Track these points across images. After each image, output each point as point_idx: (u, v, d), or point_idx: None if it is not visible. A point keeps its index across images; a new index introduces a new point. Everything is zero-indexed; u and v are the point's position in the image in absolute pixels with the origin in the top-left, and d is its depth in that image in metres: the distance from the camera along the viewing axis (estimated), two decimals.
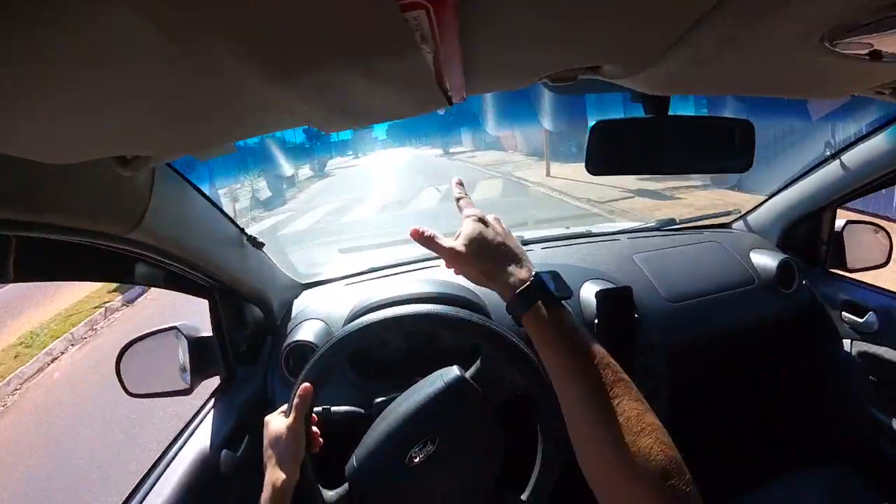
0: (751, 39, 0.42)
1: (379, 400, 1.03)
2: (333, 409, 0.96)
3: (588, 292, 1.35)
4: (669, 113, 0.78)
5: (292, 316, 1.39)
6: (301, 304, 1.43)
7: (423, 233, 0.77)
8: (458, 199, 0.81)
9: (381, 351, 1.31)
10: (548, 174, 12.45)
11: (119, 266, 0.91)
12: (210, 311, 1.22)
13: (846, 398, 1.56)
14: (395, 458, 0.87)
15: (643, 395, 0.64)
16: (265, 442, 0.86)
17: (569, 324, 0.66)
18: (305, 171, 23.60)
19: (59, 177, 0.59)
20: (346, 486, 0.90)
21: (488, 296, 1.31)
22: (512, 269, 0.71)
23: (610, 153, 0.79)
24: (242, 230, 1.20)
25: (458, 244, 0.73)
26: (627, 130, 0.79)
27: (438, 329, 0.93)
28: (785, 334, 1.62)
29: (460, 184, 0.84)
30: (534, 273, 0.70)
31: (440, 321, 0.91)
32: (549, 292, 0.68)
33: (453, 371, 0.93)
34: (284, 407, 0.89)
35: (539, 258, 1.54)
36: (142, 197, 0.76)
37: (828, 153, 1.47)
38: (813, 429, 1.69)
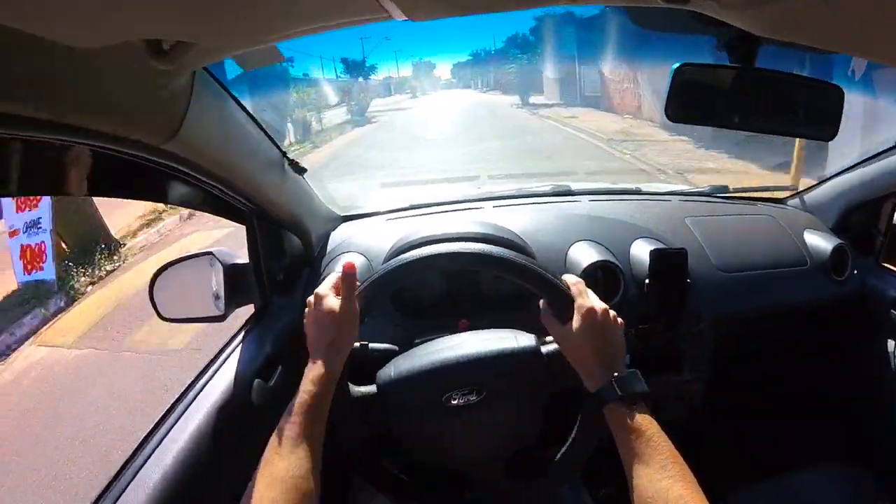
0: None
1: (419, 341, 1.01)
2: (371, 345, 0.94)
3: (639, 250, 1.31)
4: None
5: (330, 248, 1.37)
6: (340, 237, 1.42)
7: (546, 306, 0.86)
8: (573, 285, 0.86)
9: (420, 289, 1.28)
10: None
11: (155, 183, 0.89)
12: (247, 237, 1.20)
13: (882, 397, 1.50)
14: (433, 391, 0.86)
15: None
16: (310, 324, 0.84)
17: (639, 418, 0.73)
18: (339, 113, 22.54)
19: (91, 73, 0.56)
20: (373, 387, 0.88)
21: (533, 239, 1.29)
22: (598, 366, 0.79)
23: (691, 100, 0.75)
24: (284, 153, 1.17)
25: (570, 335, 0.81)
26: (711, 77, 0.74)
27: (489, 269, 0.90)
28: (831, 322, 1.56)
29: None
30: (626, 370, 0.78)
31: (493, 262, 0.87)
32: (634, 390, 0.75)
33: (530, 339, 0.90)
34: (326, 288, 0.85)
35: (587, 210, 1.50)
36: (180, 104, 0.73)
37: None
38: (843, 421, 1.64)
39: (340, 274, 0.85)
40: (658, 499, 0.66)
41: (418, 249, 0.89)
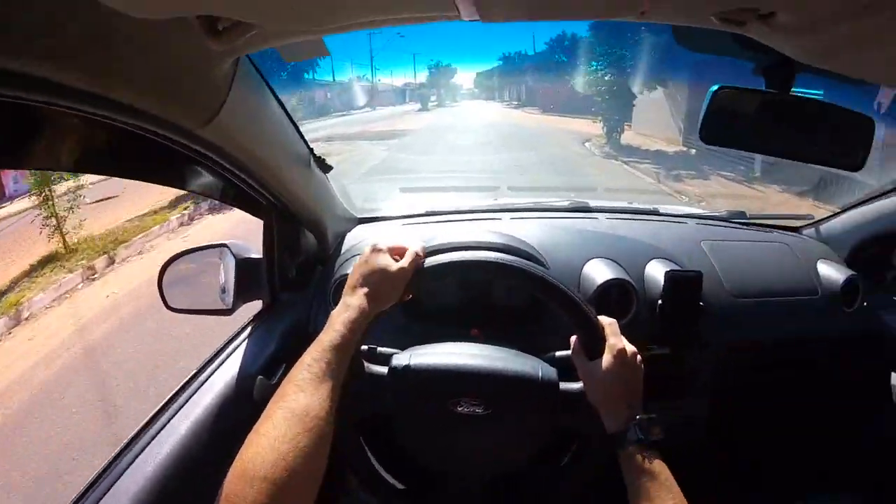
0: None
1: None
2: (379, 349, 0.93)
3: (654, 270, 1.30)
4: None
5: (345, 249, 1.36)
6: (355, 238, 1.41)
7: (576, 343, 0.86)
8: (607, 325, 0.86)
9: (431, 296, 1.27)
10: None
11: (181, 168, 0.88)
12: (264, 232, 1.20)
13: (890, 432, 1.49)
14: (443, 392, 0.85)
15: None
16: (356, 269, 0.83)
17: (654, 462, 0.75)
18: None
19: (144, 47, 0.55)
20: (385, 369, 0.87)
21: (549, 253, 1.29)
22: (625, 407, 0.80)
23: (726, 122, 0.74)
24: (312, 150, 1.17)
25: (599, 374, 0.81)
26: (748, 102, 0.74)
27: (508, 280, 0.90)
28: (840, 354, 1.55)
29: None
30: (637, 418, 0.78)
31: (547, 288, 0.85)
32: (653, 436, 0.77)
33: (552, 374, 0.88)
34: (386, 246, 0.84)
35: (604, 227, 1.50)
36: (222, 89, 0.73)
37: None
38: (847, 455, 1.63)
39: (415, 246, 0.85)
40: None
41: (480, 252, 0.88)
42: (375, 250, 0.84)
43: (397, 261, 0.83)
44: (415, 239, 0.86)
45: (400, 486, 0.95)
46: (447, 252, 0.87)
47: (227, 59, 0.69)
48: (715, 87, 0.73)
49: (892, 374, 1.47)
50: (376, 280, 0.81)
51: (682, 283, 1.23)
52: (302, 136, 1.10)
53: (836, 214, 1.66)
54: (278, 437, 0.61)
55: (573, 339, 0.86)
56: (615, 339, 0.83)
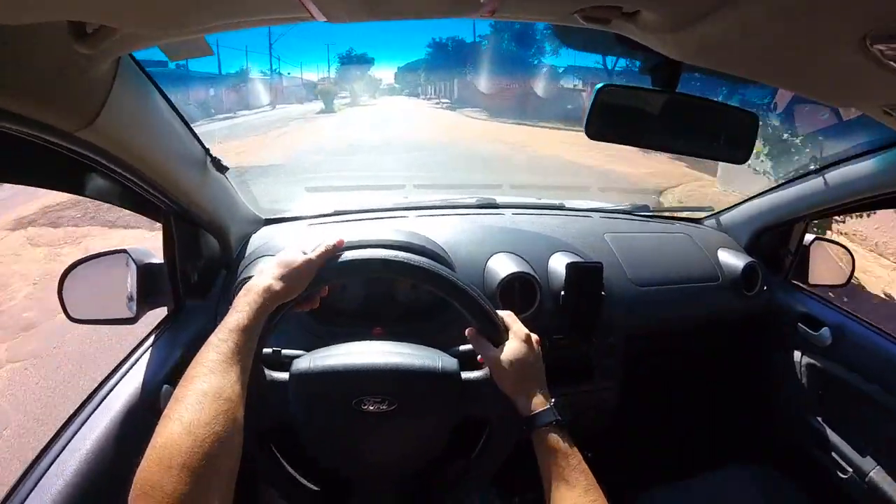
0: (802, 16, 0.41)
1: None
2: (284, 351, 0.91)
3: (557, 263, 1.34)
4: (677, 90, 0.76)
5: (250, 251, 1.33)
6: (260, 240, 1.37)
7: (474, 332, 0.88)
8: (506, 315, 0.90)
9: (337, 294, 1.26)
10: None
11: (67, 172, 0.84)
12: (163, 237, 1.15)
13: (788, 405, 1.60)
14: (346, 392, 0.84)
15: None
16: (267, 262, 0.85)
17: (567, 443, 0.78)
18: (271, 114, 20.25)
19: (9, 50, 0.53)
20: (286, 375, 0.86)
21: (454, 250, 1.30)
22: (537, 390, 0.83)
23: (611, 119, 0.77)
24: (207, 150, 1.12)
25: (505, 360, 0.83)
26: (633, 99, 0.77)
27: (409, 279, 0.89)
28: (740, 335, 1.66)
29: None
30: (552, 400, 0.82)
31: (444, 284, 0.86)
32: (559, 419, 0.80)
33: (453, 364, 0.89)
34: (303, 243, 0.87)
35: (509, 223, 1.53)
36: (100, 90, 0.69)
37: (812, 167, 1.48)
38: (750, 428, 1.74)
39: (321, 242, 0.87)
40: None
41: (381, 250, 0.87)
42: (298, 246, 0.86)
43: (307, 256, 0.84)
44: (336, 240, 0.87)
45: (315, 488, 0.94)
46: (351, 250, 0.87)
47: (104, 60, 0.66)
48: (600, 85, 0.75)
49: (795, 352, 1.57)
50: (281, 268, 0.81)
51: (584, 273, 1.27)
52: (195, 136, 1.06)
53: (735, 206, 1.77)
54: (193, 421, 0.59)
55: (469, 330, 0.88)
56: (517, 326, 0.87)
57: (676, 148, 0.82)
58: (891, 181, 1.23)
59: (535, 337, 0.87)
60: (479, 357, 0.88)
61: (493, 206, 1.68)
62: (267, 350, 0.88)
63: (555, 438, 0.77)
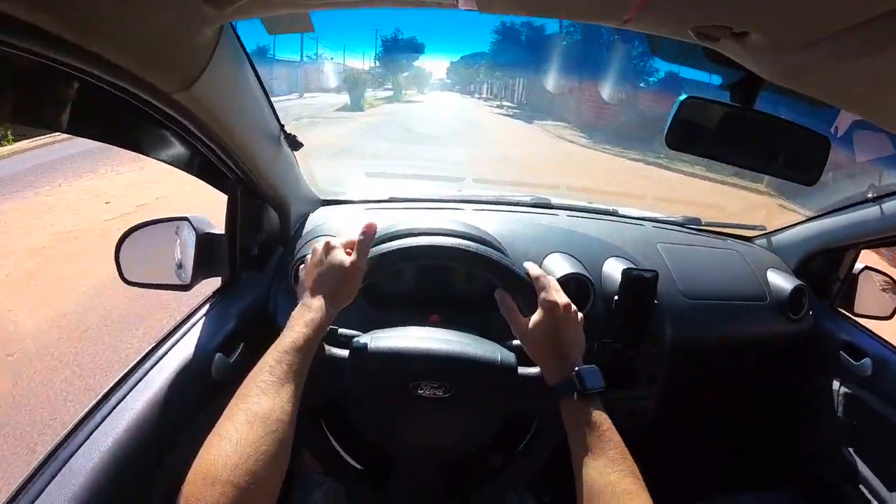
0: None
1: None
2: (341, 330, 0.92)
3: (611, 268, 1.35)
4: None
5: (307, 230, 1.35)
6: (317, 220, 1.40)
7: (507, 301, 0.88)
8: (536, 278, 0.87)
9: (392, 281, 1.28)
10: None
11: (150, 134, 0.87)
12: (228, 207, 1.18)
13: (822, 432, 1.58)
14: (404, 374, 0.85)
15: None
16: (311, 270, 0.82)
17: (594, 412, 0.76)
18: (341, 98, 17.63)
19: (130, 4, 0.54)
20: (346, 352, 0.87)
21: (510, 245, 1.30)
22: (562, 359, 0.82)
23: (691, 131, 0.78)
24: (283, 127, 1.15)
25: (531, 329, 0.83)
26: (713, 113, 0.77)
27: (467, 267, 0.91)
28: (782, 357, 1.64)
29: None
30: (576, 369, 0.80)
31: (502, 272, 0.88)
32: (593, 386, 0.78)
33: (511, 358, 0.89)
34: (339, 241, 0.84)
35: (564, 224, 1.53)
36: (203, 56, 0.72)
37: (870, 195, 1.46)
38: (784, 453, 1.72)
39: (359, 233, 0.84)
40: (605, 492, 0.67)
41: (433, 237, 0.90)
42: (328, 247, 0.83)
43: (349, 255, 0.83)
44: (363, 229, 0.85)
45: (359, 467, 0.96)
46: (394, 240, 0.89)
47: (214, 24, 0.68)
48: (683, 97, 0.75)
49: (835, 380, 1.54)
50: (334, 279, 0.81)
51: (639, 281, 1.27)
52: (275, 112, 1.09)
53: (787, 227, 1.74)
54: (241, 440, 0.60)
55: (497, 293, 0.89)
56: (546, 293, 0.84)
57: (750, 164, 0.83)
58: None
59: (564, 301, 0.85)
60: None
61: (548, 206, 1.68)
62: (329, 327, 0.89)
63: (579, 407, 0.76)
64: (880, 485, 1.37)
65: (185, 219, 1.20)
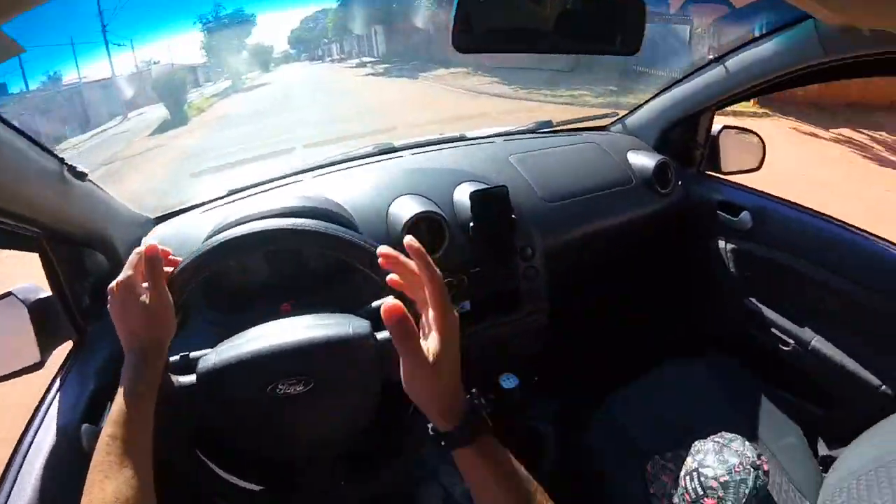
0: None
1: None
2: (192, 354, 0.84)
3: (462, 194, 1.30)
4: None
5: None
6: (154, 240, 1.25)
7: (397, 316, 0.57)
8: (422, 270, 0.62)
9: (238, 277, 1.19)
10: None
11: None
12: (43, 266, 1.04)
13: (720, 292, 1.65)
14: (257, 380, 0.79)
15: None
16: (118, 320, 0.72)
17: (504, 456, 0.60)
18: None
19: None
20: (193, 377, 0.80)
21: (354, 203, 1.24)
22: (448, 398, 0.61)
23: (479, 24, 0.71)
24: (62, 160, 1.00)
25: (439, 367, 0.59)
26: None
27: (304, 245, 0.84)
28: (661, 233, 1.69)
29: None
30: (469, 403, 0.61)
31: (305, 236, 0.80)
32: (483, 429, 0.60)
33: (364, 325, 0.83)
34: (130, 275, 0.72)
35: (409, 164, 1.46)
36: None
37: (710, 56, 1.49)
38: (690, 321, 1.81)
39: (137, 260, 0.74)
40: None
41: (231, 230, 0.80)
42: (121, 287, 0.72)
43: (149, 287, 0.73)
44: (144, 254, 0.75)
45: (257, 488, 0.89)
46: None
47: None
48: None
49: (719, 240, 1.61)
50: (137, 322, 0.71)
51: (488, 199, 1.24)
52: (43, 147, 0.93)
53: (639, 107, 1.77)
54: None
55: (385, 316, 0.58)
56: (437, 299, 0.61)
57: (558, 48, 0.78)
58: (789, 61, 1.25)
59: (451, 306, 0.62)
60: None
61: (392, 150, 1.59)
62: (174, 357, 0.82)
63: (476, 456, 0.59)
64: (789, 323, 1.46)
65: (9, 294, 1.05)
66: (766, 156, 1.66)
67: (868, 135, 7.09)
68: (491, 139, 1.66)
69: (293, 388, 0.79)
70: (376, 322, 0.80)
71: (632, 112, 1.80)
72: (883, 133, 7.09)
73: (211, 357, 0.80)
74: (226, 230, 0.80)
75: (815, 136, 7.16)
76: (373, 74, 16.51)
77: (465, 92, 11.22)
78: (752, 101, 9.26)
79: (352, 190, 1.30)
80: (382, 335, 0.82)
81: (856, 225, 1.40)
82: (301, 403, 0.80)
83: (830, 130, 7.22)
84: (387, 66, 17.10)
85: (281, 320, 0.86)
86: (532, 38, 0.74)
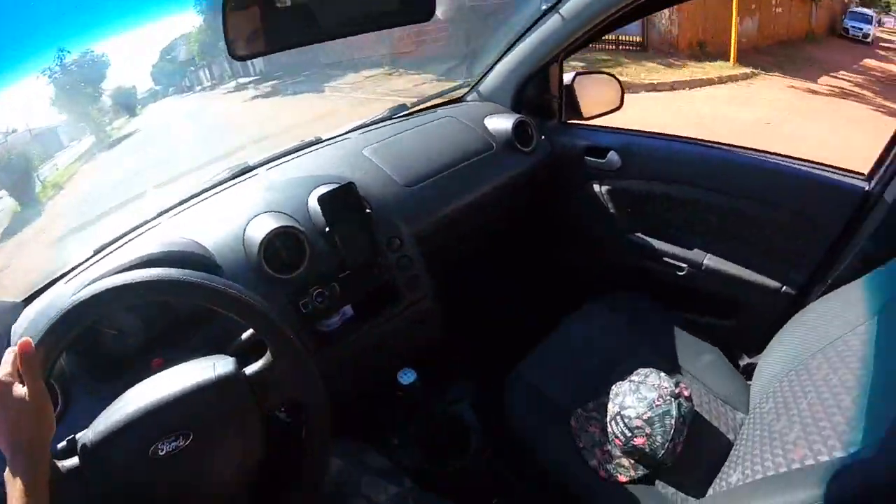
0: None
1: None
2: (78, 435, 0.77)
3: (315, 200, 1.23)
4: None
5: (16, 340, 1.08)
6: (23, 325, 1.13)
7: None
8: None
9: (116, 340, 1.09)
10: None
11: None
12: None
13: (604, 235, 1.68)
14: (135, 448, 0.73)
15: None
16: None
17: None
18: None
19: None
20: (76, 459, 0.74)
21: (210, 235, 1.16)
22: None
23: (250, 26, 0.64)
24: None
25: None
26: None
27: (157, 296, 0.80)
28: (535, 190, 1.69)
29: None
30: None
31: (151, 287, 0.76)
32: None
33: (229, 364, 0.80)
34: (6, 374, 0.67)
35: (265, 180, 1.37)
36: None
37: (543, 7, 1.49)
38: (581, 270, 1.84)
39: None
40: None
41: (73, 297, 0.75)
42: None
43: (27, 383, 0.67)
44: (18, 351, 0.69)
45: None
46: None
47: None
48: None
49: (593, 184, 1.63)
50: (22, 420, 0.66)
51: (335, 199, 1.19)
52: None
53: (487, 72, 1.76)
54: None
55: None
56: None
57: (347, 29, 0.72)
58: None
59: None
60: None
61: (248, 169, 1.49)
62: (61, 444, 0.75)
63: None
64: (679, 249, 1.50)
65: None
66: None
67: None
68: (346, 136, 1.60)
69: (174, 444, 0.74)
70: (244, 356, 0.81)
71: (482, 78, 1.78)
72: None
73: (88, 433, 0.74)
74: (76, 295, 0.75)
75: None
76: (261, 97, 13.25)
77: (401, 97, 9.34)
78: (731, 60, 9.52)
79: (207, 222, 1.22)
80: (251, 368, 0.81)
81: (722, 141, 1.44)
82: (187, 457, 0.75)
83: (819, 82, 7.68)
84: (274, 83, 13.74)
85: (151, 378, 0.81)
86: (313, 27, 0.68)
